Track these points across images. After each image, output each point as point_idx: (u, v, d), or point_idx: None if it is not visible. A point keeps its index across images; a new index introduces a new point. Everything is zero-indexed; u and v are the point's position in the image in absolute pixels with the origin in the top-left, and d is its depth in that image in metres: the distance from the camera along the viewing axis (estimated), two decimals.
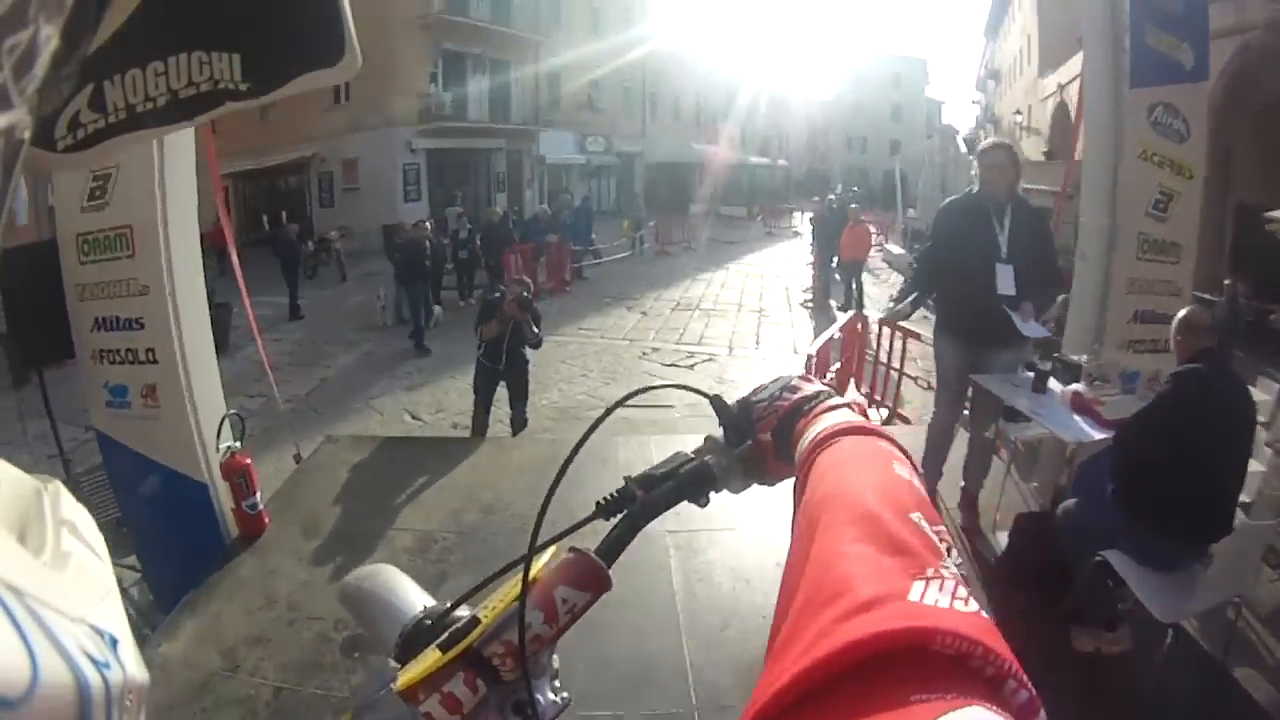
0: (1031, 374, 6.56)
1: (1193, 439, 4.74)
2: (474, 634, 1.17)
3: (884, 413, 12.40)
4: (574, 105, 48.24)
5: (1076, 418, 6.02)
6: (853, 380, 12.67)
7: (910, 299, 7.08)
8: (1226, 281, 17.65)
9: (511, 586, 1.21)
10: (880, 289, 26.29)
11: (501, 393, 10.72)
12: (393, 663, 1.26)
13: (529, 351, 10.52)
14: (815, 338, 19.06)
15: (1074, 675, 4.96)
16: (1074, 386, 6.43)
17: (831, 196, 33.22)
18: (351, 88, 35.45)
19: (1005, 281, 6.37)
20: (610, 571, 1.23)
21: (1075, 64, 37.93)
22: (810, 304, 23.95)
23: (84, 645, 0.88)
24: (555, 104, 46.38)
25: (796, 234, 48.36)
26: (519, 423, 10.81)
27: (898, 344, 12.88)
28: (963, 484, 7.21)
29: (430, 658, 1.15)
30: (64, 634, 0.84)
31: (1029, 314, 6.46)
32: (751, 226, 50.39)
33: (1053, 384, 6.62)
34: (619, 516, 1.32)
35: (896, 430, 11.05)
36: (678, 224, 39.66)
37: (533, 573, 1.22)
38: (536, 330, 10.23)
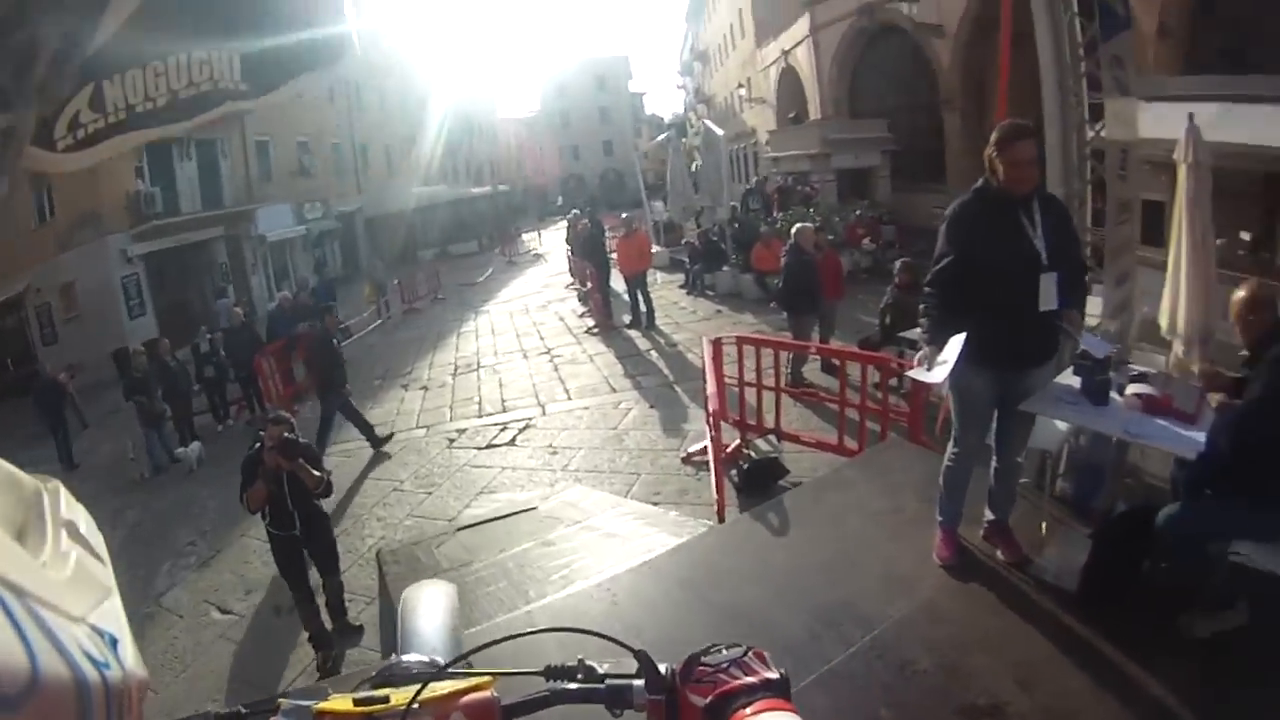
0: (1077, 384, 6.03)
1: None
2: (377, 707, 1.51)
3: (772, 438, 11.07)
4: (286, 174, 45.16)
5: (1163, 422, 5.59)
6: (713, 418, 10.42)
7: (957, 340, 5.31)
8: None
9: (426, 690, 1.53)
10: (658, 292, 24.48)
11: None
12: (330, 689, 1.65)
13: (323, 503, 8.39)
14: (620, 366, 18.27)
15: (1201, 662, 4.67)
16: (1134, 388, 5.94)
17: (575, 211, 33.79)
18: (56, 198, 32.08)
19: (1049, 294, 5.22)
20: None
21: (799, 28, 39.06)
22: (596, 330, 22.34)
23: (84, 645, 0.90)
24: (267, 177, 43.30)
25: (538, 256, 48.44)
26: (334, 592, 8.71)
27: (747, 357, 11.80)
28: (990, 517, 6.11)
29: (346, 703, 1.52)
30: (64, 634, 0.86)
31: (1078, 325, 5.57)
32: (490, 260, 49.19)
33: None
34: (551, 683, 1.67)
35: (824, 460, 10.32)
36: (420, 276, 37.89)
37: (463, 686, 1.60)
38: (319, 473, 8.03)
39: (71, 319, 32.56)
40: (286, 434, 7.80)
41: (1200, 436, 5.03)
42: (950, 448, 5.95)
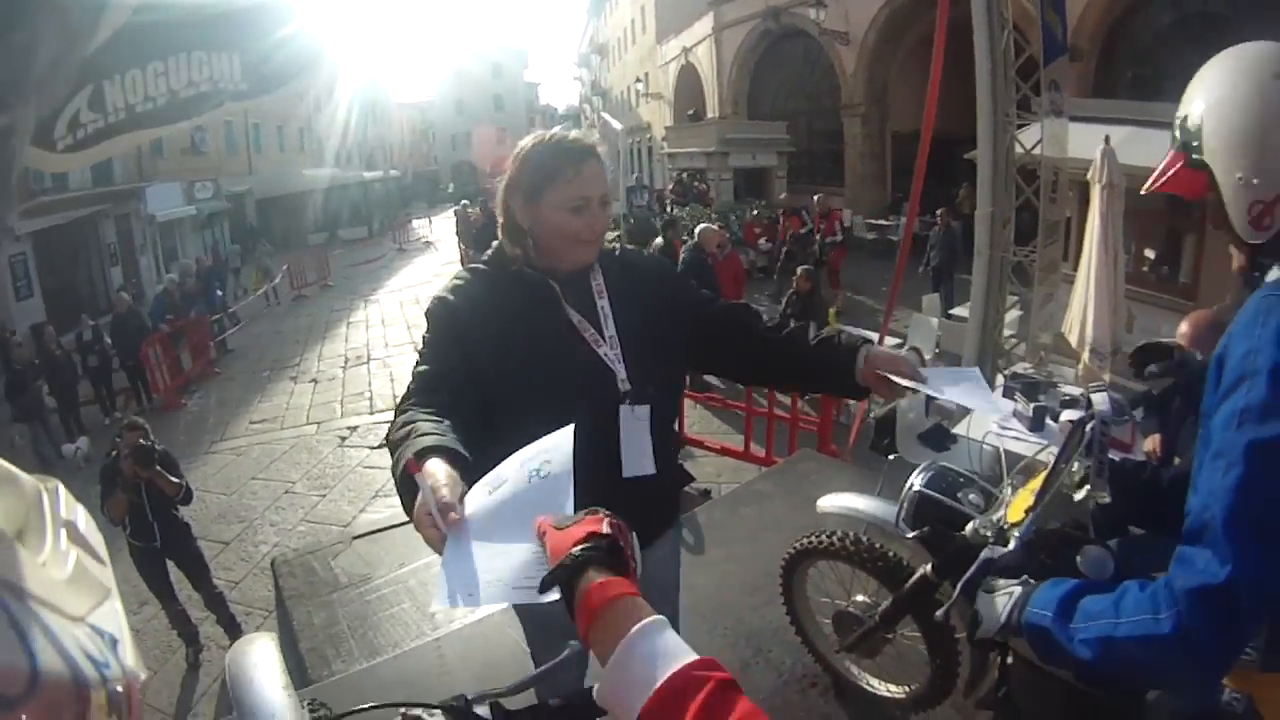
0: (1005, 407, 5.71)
1: None
2: None
3: None
4: (177, 150, 43.24)
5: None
6: None
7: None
8: (940, 211, 18.89)
9: None
10: None
11: None
12: None
13: (183, 511, 8.12)
14: None
15: None
16: (1068, 414, 5.49)
17: (465, 201, 32.50)
18: None
19: (636, 451, 2.91)
20: None
21: (702, 26, 39.25)
22: None
23: (83, 645, 0.90)
24: (159, 153, 41.27)
25: (429, 244, 47.57)
26: (217, 608, 8.45)
27: None
28: None
29: None
30: (63, 634, 0.85)
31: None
32: (381, 246, 48.35)
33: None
34: None
35: (728, 465, 10.17)
36: (309, 261, 36.82)
37: None
38: (178, 480, 7.79)
39: None
40: (142, 440, 7.56)
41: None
42: None
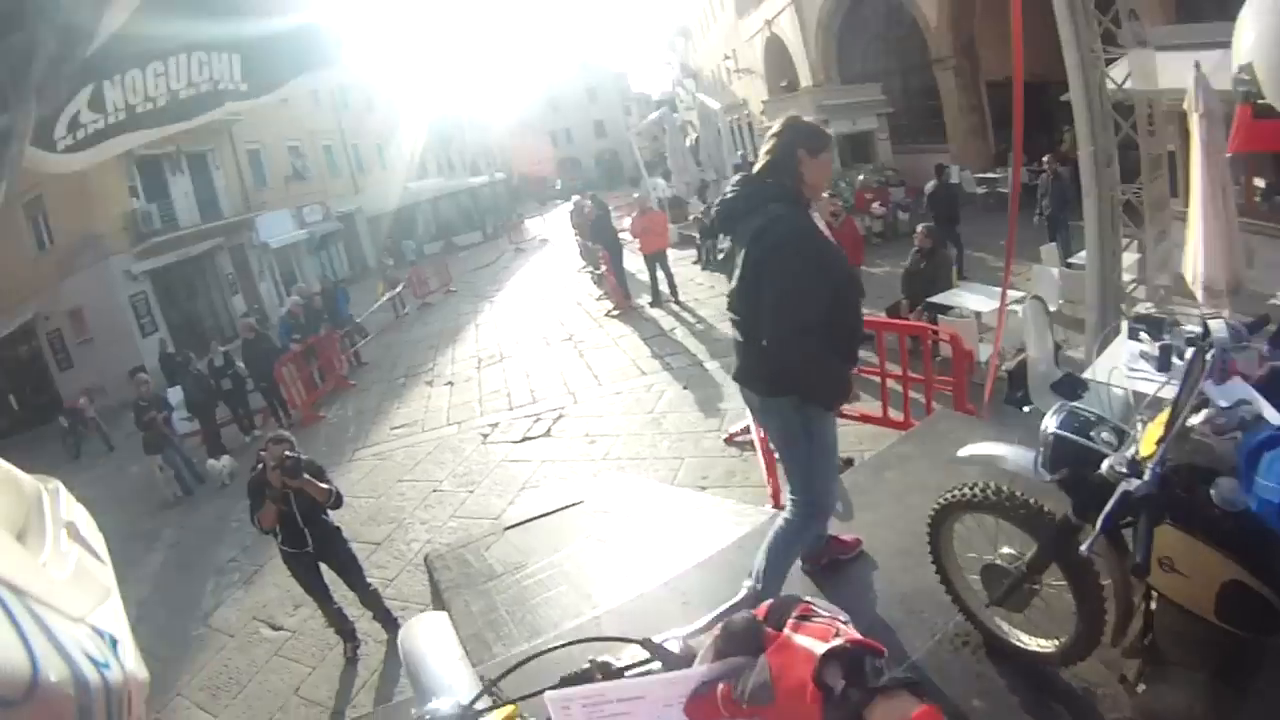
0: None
1: None
2: None
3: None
4: (281, 180, 45.11)
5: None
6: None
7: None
8: (1046, 159, 18.64)
9: None
10: (677, 268, 23.37)
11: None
12: None
13: (332, 515, 8.42)
14: (647, 348, 17.84)
15: None
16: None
17: (577, 196, 32.42)
18: (52, 225, 31.81)
19: None
20: None
21: None
22: (616, 312, 21.91)
23: (84, 645, 0.90)
24: (262, 184, 43.21)
25: (544, 241, 47.53)
26: (372, 604, 8.71)
27: None
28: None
29: None
30: (64, 634, 0.86)
31: None
32: (497, 248, 48.72)
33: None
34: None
35: (867, 433, 9.87)
36: (429, 270, 37.30)
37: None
38: (326, 485, 8.05)
39: (84, 343, 32.74)
40: (288, 452, 7.82)
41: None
42: (801, 510, 5.11)
